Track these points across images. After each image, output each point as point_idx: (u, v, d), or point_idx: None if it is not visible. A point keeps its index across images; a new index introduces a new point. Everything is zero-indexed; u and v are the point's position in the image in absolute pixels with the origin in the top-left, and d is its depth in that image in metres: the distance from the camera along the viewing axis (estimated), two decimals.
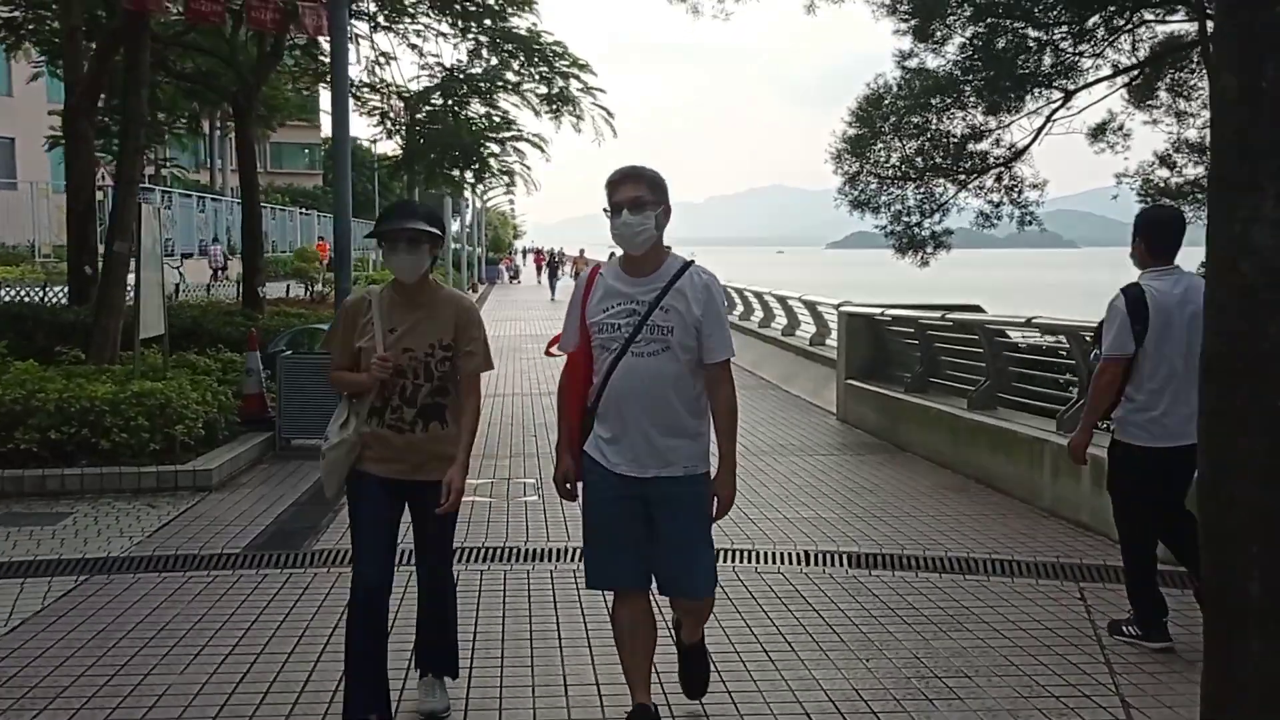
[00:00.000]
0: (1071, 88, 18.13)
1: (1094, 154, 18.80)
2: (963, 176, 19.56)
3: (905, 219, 20.40)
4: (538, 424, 13.29)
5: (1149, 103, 18.44)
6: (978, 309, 13.24)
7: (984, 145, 19.21)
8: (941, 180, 19.89)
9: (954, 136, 19.19)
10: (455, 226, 63.45)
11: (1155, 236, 5.35)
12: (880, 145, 19.58)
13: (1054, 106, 18.75)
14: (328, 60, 20.74)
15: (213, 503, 9.04)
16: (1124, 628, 5.55)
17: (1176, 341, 5.15)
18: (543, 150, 17.18)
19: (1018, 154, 19.11)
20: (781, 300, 18.94)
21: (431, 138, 17.04)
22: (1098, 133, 19.52)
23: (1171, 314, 5.17)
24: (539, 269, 76.59)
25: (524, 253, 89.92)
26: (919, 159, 19.46)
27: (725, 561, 7.06)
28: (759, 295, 20.93)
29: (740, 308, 23.00)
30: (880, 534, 7.87)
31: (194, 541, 7.76)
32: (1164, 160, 18.84)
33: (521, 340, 25.67)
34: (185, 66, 16.81)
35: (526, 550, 7.57)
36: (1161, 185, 18.30)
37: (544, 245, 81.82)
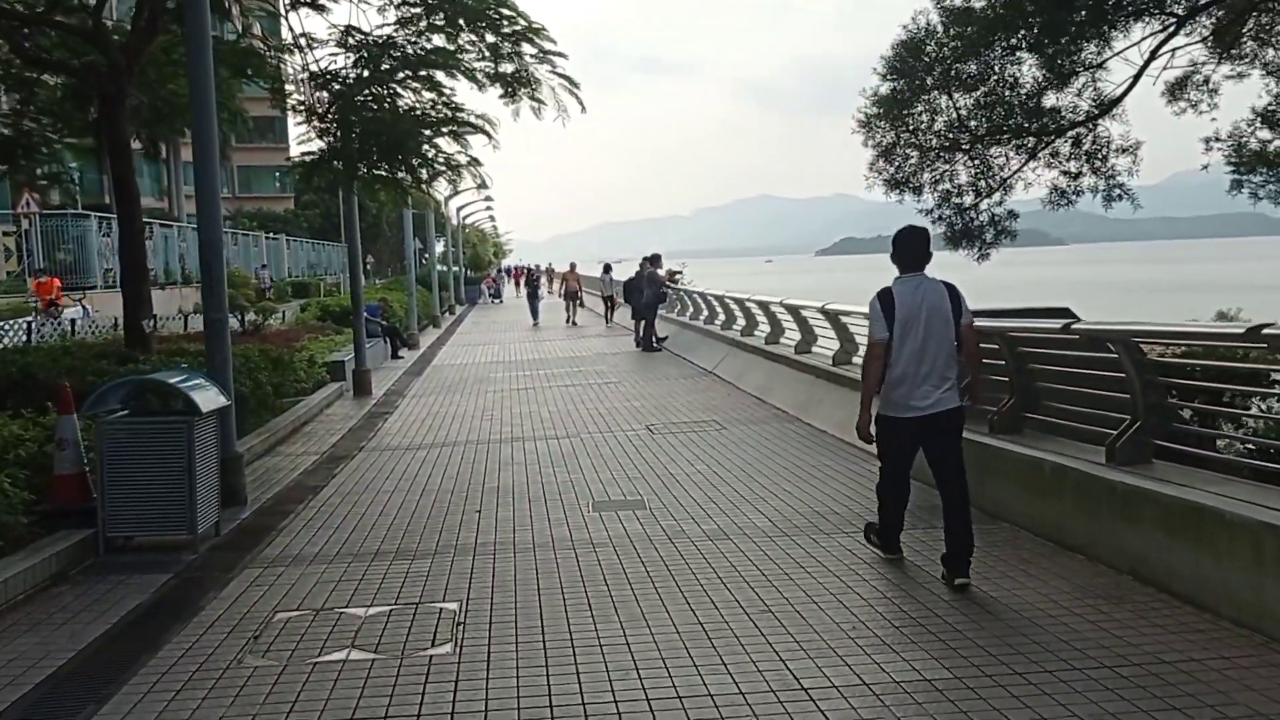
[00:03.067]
0: (1181, 12, 14.11)
1: (1173, 115, 15.23)
2: (1032, 140, 15.30)
3: (956, 200, 16.23)
4: (488, 489, 9.90)
5: (1235, 52, 14.84)
6: (1068, 313, 9.90)
7: (1063, 97, 15.15)
8: (1001, 149, 15.79)
9: (1023, 87, 15.05)
10: (440, 247, 60.34)
11: (900, 252, 6.63)
12: (922, 105, 15.52)
13: (1161, 37, 14.57)
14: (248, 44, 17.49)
15: None
16: (870, 536, 7.23)
17: (918, 333, 6.42)
18: (490, 136, 13.87)
19: (1107, 106, 14.94)
20: (793, 310, 15.55)
21: (359, 127, 13.70)
22: (1178, 89, 15.38)
23: (912, 311, 6.45)
24: (517, 286, 72.37)
25: (506, 271, 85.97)
26: (974, 120, 15.35)
27: None
28: (764, 305, 17.57)
29: (741, 320, 19.67)
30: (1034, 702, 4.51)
31: None
32: (1266, 118, 14.74)
33: (491, 368, 22.31)
34: (39, 48, 13.46)
35: None
36: (1260, 150, 14.70)
37: (531, 263, 77.68)
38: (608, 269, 33.98)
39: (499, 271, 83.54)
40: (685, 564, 7.03)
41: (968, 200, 15.80)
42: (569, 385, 18.35)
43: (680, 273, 31.18)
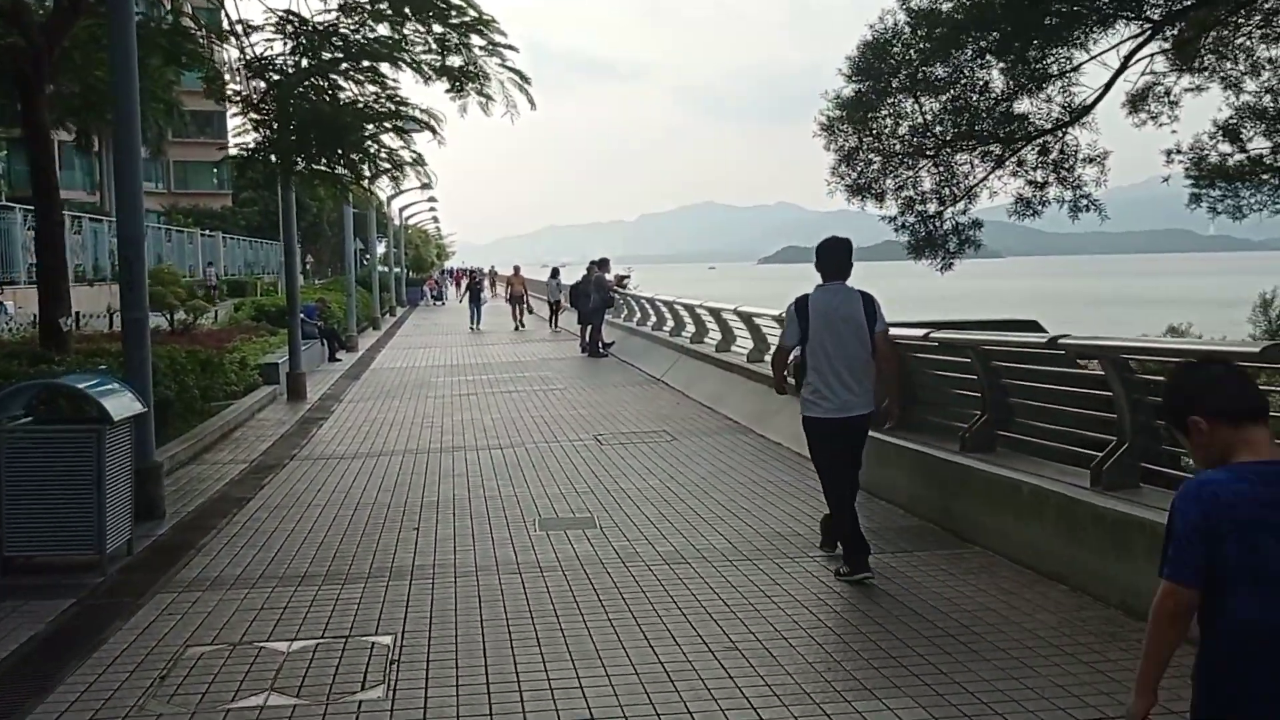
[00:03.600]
0: (1157, 17, 13.48)
1: (1133, 127, 14.88)
2: (998, 148, 14.70)
3: (919, 207, 15.59)
4: (427, 503, 9.30)
5: (1196, 65, 14.46)
6: (1035, 325, 9.54)
7: (1033, 103, 14.50)
8: (966, 156, 15.14)
9: (992, 92, 14.43)
10: (381, 248, 59.15)
11: (822, 262, 6.90)
12: (887, 109, 14.85)
13: (1137, 43, 13.96)
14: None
15: None
16: (840, 570, 6.72)
17: (833, 339, 6.71)
18: (435, 132, 13.21)
19: (1079, 113, 14.36)
20: (745, 318, 15.07)
21: (297, 119, 12.98)
22: (1139, 100, 14.90)
23: (828, 318, 6.75)
24: (458, 288, 70.65)
25: (448, 273, 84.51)
26: (939, 126, 14.75)
27: None
28: (715, 312, 17.09)
29: (690, 326, 19.20)
30: None
31: None
32: (1227, 131, 14.46)
33: (432, 373, 21.61)
34: None
35: None
36: (1219, 164, 14.37)
37: (473, 266, 76.11)
38: (555, 273, 33.09)
39: (441, 273, 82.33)
40: (641, 592, 6.50)
41: (931, 208, 15.26)
42: (513, 391, 17.76)
43: (628, 277, 30.59)
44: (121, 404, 7.48)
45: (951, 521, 7.64)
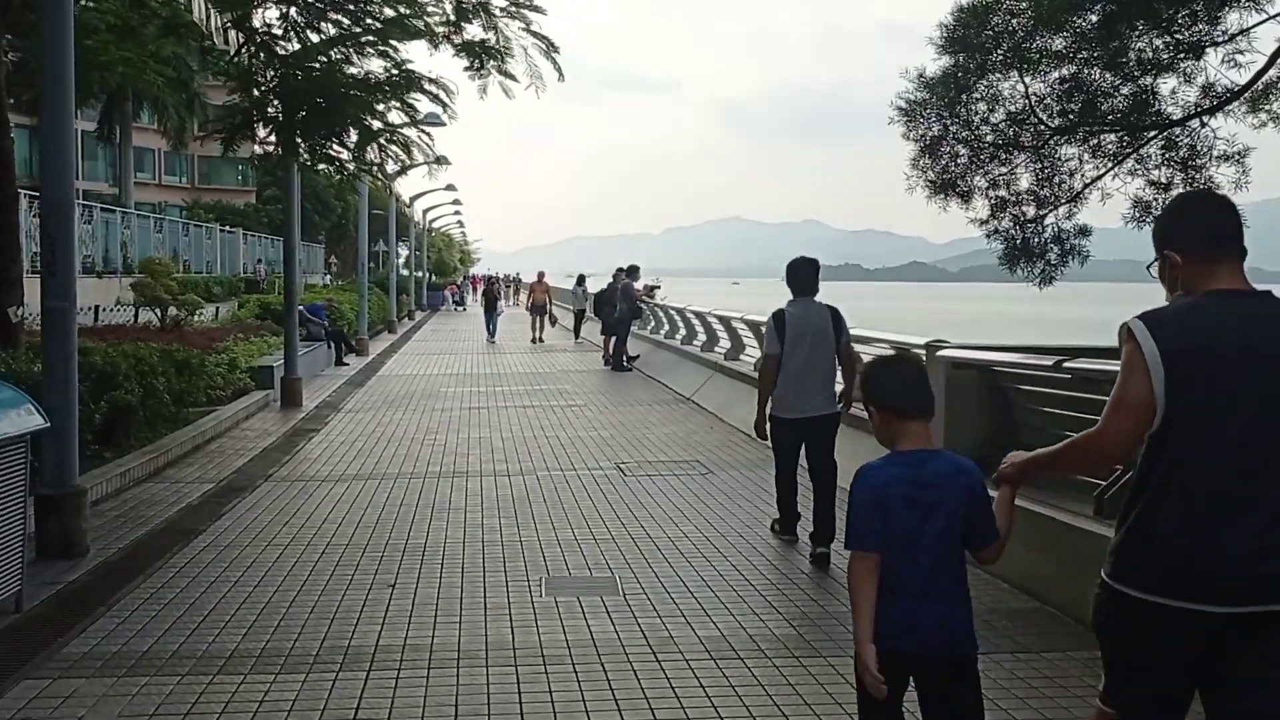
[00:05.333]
0: None
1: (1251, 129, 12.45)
2: (1117, 139, 12.14)
3: (1013, 210, 12.98)
4: (411, 547, 7.58)
5: None
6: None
7: (1164, 83, 11.75)
8: (1074, 149, 12.52)
9: (1128, 67, 11.63)
10: (404, 251, 57.57)
11: (793, 280, 7.72)
12: (983, 90, 12.26)
13: None
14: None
15: None
16: (773, 526, 7.96)
17: (804, 349, 7.45)
18: (446, 106, 11.54)
19: (1229, 96, 11.55)
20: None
21: (295, 90, 11.36)
22: (1261, 97, 11.93)
23: (799, 329, 7.51)
24: (474, 292, 67.89)
25: (469, 279, 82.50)
26: (1044, 110, 12.20)
27: None
28: (755, 326, 15.28)
29: (725, 340, 17.46)
30: None
31: None
32: None
33: (442, 382, 19.94)
34: None
35: None
36: None
37: (489, 270, 73.62)
38: (581, 280, 31.04)
39: (464, 279, 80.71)
40: (677, 699, 4.77)
41: (1029, 211, 12.89)
42: (528, 406, 16.06)
43: (658, 287, 28.62)
44: (13, 418, 5.81)
45: (1083, 609, 5.85)
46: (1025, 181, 12.67)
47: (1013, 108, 12.22)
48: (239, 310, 25.58)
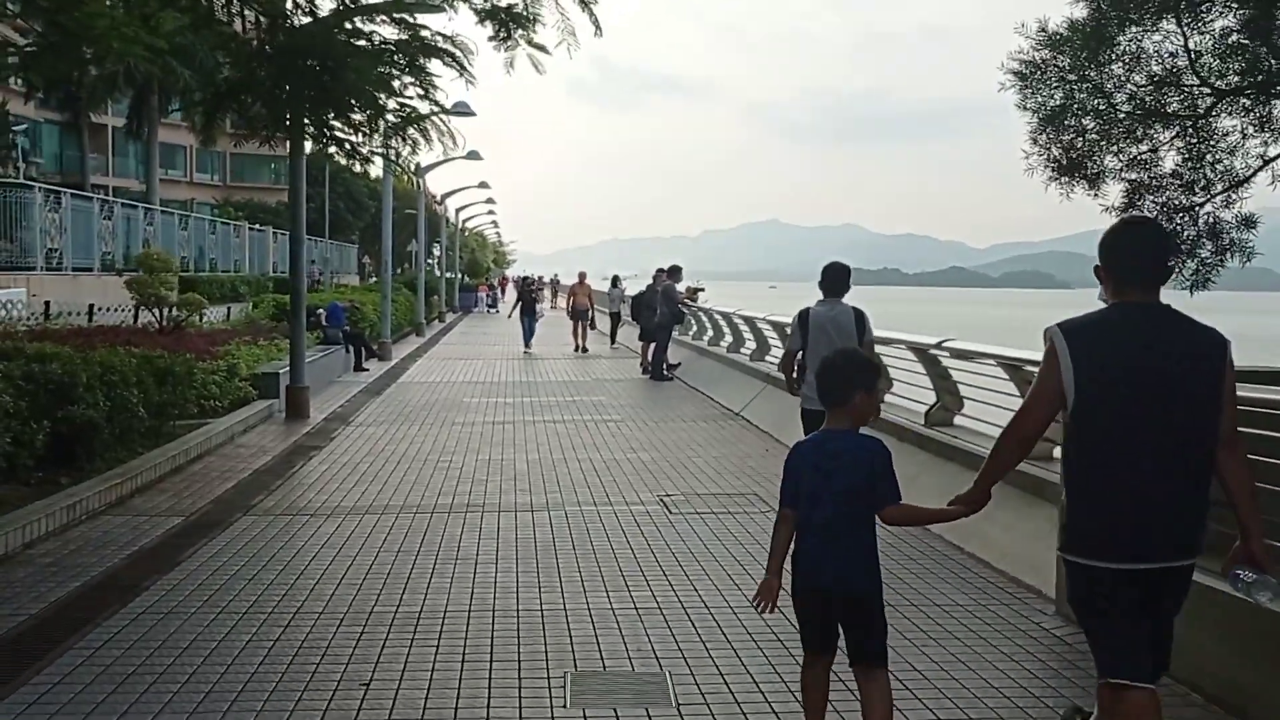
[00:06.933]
0: None
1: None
2: None
3: (1155, 197, 10.65)
4: (402, 617, 5.90)
5: None
6: None
7: None
8: (1237, 120, 10.15)
9: None
10: (437, 251, 56.08)
11: (825, 281, 8.18)
12: (1123, 44, 9.96)
13: None
14: None
15: None
16: None
17: (827, 345, 7.39)
18: (464, 69, 9.88)
19: None
20: (921, 352, 10.55)
21: (286, 51, 9.69)
22: None
23: (823, 328, 7.94)
24: (502, 294, 65.26)
25: (500, 281, 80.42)
26: (1202, 67, 9.85)
27: None
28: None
29: (777, 350, 15.68)
30: None
31: None
32: None
33: (466, 390, 18.31)
34: None
35: None
36: None
37: (525, 272, 71.13)
38: (616, 281, 29.20)
39: (499, 280, 79.14)
40: None
41: (1176, 198, 10.49)
42: (558, 420, 14.39)
43: (701, 290, 26.73)
44: None
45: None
46: (1170, 162, 10.45)
47: (1157, 68, 10.06)
48: (253, 310, 24.06)
